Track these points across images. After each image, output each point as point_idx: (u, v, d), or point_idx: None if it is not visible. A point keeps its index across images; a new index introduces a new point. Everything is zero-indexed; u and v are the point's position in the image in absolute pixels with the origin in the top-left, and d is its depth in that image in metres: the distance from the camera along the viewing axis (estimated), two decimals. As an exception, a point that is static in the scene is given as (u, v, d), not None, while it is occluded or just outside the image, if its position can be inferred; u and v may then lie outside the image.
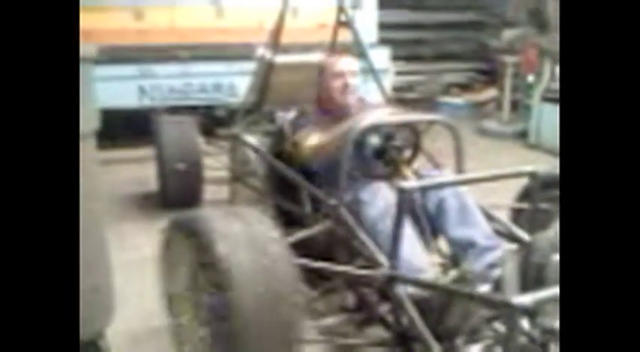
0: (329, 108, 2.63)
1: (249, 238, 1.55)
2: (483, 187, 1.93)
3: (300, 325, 1.53)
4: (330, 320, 2.11)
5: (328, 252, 2.10)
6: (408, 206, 1.73)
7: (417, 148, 2.28)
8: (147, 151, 3.77)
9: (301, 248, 2.17)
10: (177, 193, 3.34)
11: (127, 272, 2.58)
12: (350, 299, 2.06)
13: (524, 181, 2.17)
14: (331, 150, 2.27)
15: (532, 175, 1.89)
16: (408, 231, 1.87)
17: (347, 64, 2.60)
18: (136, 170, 4.22)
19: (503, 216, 2.29)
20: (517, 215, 2.48)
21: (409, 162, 2.27)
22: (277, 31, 3.22)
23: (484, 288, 1.61)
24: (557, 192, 2.35)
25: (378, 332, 1.94)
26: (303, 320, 1.54)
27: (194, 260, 1.71)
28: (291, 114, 2.80)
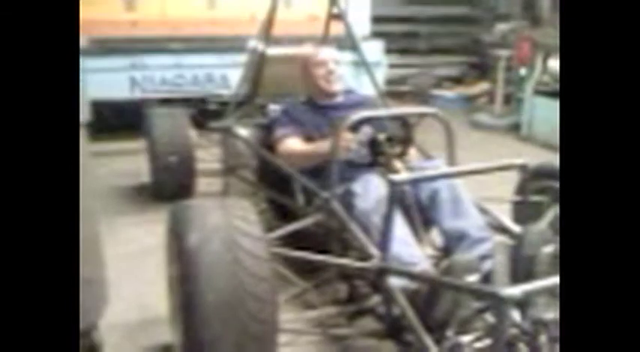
0: (318, 101, 2.67)
1: (223, 232, 1.51)
2: (475, 180, 1.94)
3: (270, 319, 1.48)
4: (322, 312, 2.13)
5: (322, 244, 2.11)
6: (398, 199, 1.74)
7: (408, 141, 2.29)
8: (139, 143, 3.75)
9: (295, 240, 2.18)
10: (169, 186, 3.33)
11: (120, 265, 2.58)
12: (342, 291, 2.07)
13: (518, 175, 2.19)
14: (307, 162, 2.36)
15: (522, 168, 1.90)
16: (400, 224, 1.88)
17: (327, 52, 2.71)
18: (128, 162, 4.20)
19: (502, 209, 2.31)
20: (518, 208, 2.50)
21: (401, 154, 2.28)
22: (269, 23, 3.21)
23: (474, 280, 1.62)
24: (548, 183, 2.38)
25: (369, 323, 1.95)
26: (274, 314, 1.49)
27: (171, 248, 1.72)
28: (279, 108, 2.85)
